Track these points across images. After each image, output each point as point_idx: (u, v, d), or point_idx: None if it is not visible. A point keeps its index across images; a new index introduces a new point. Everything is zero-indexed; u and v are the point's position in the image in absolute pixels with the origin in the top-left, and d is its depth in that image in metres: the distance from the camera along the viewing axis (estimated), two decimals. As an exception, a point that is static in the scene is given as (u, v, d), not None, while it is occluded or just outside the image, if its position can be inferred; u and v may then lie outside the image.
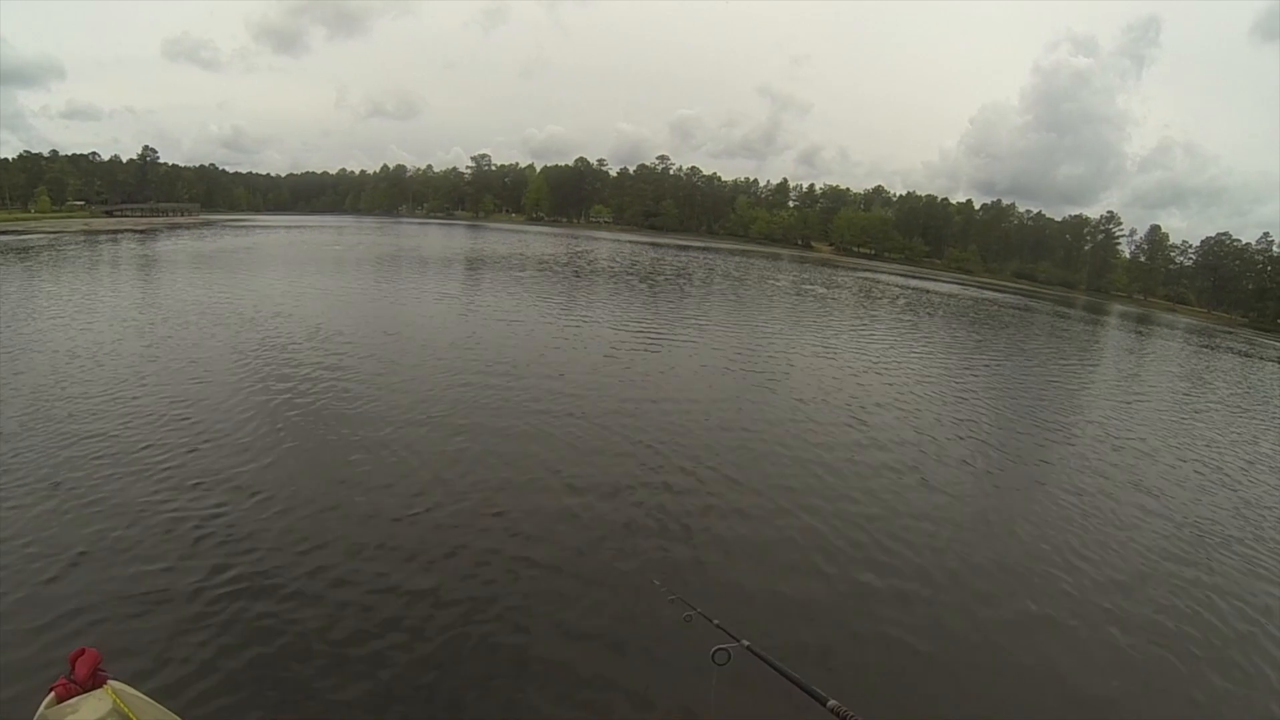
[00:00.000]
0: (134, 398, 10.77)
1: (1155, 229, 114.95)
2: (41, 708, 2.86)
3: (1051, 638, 6.39)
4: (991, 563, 7.77)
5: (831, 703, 2.42)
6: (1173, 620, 6.95)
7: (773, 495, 8.90)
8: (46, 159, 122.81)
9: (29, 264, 30.98)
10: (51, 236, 51.55)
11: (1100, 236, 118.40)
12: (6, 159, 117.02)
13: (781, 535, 7.82)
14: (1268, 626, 7.09)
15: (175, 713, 3.27)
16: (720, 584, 6.68)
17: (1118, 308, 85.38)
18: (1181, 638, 6.64)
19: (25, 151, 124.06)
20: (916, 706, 5.36)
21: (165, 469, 8.12)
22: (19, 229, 61.66)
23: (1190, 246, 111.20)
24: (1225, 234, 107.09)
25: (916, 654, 5.89)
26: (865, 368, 18.25)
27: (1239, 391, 25.12)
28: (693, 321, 23.98)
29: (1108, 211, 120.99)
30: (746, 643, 3.04)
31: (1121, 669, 6.06)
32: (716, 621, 3.50)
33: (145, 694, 3.17)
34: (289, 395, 11.41)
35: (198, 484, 7.78)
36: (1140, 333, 48.73)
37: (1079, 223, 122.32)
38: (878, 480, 9.87)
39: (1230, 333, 66.19)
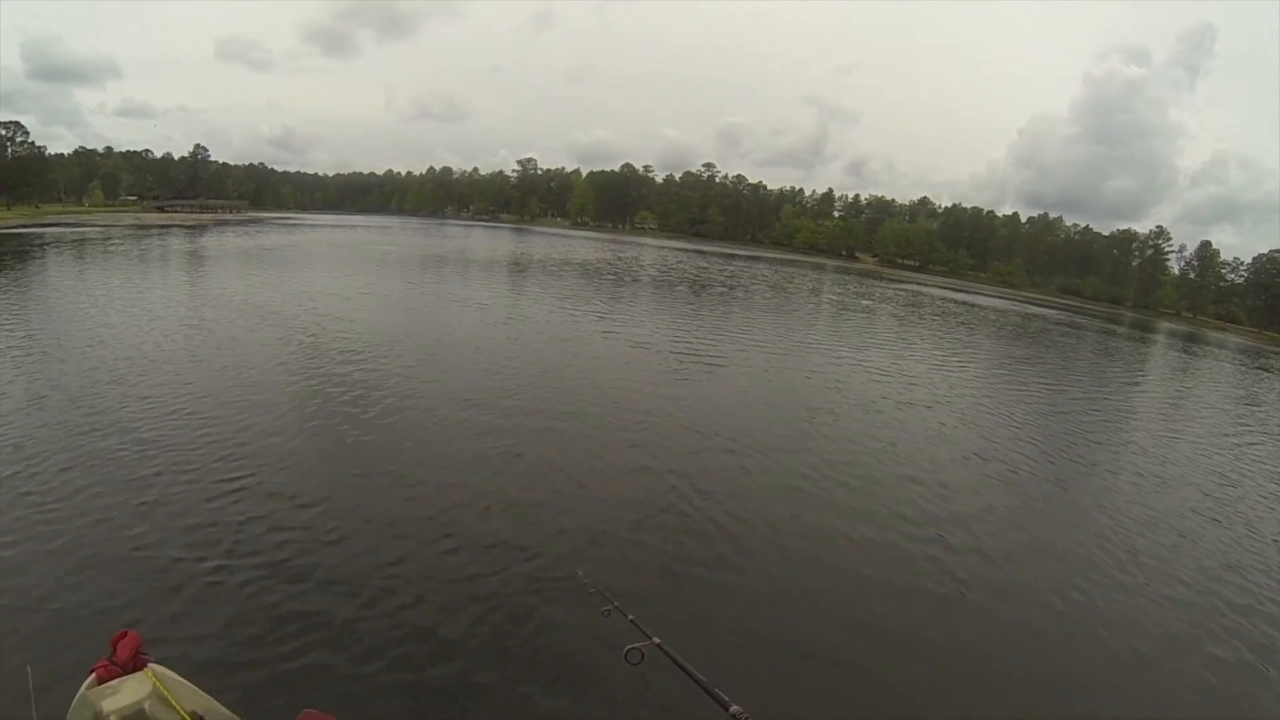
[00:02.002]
0: (179, 394, 11.13)
1: (1205, 245, 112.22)
2: (83, 688, 2.98)
3: (1018, 657, 6.37)
4: (976, 577, 7.71)
5: (734, 708, 2.40)
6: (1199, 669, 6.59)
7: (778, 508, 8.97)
8: (101, 155, 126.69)
9: (82, 255, 32.52)
10: (104, 229, 53.41)
11: (1149, 252, 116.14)
12: (62, 154, 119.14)
13: (756, 547, 7.88)
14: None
15: (214, 697, 3.37)
16: (646, 585, 6.74)
17: (1166, 325, 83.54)
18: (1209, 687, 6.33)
19: (81, 147, 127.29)
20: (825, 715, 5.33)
21: (209, 465, 8.45)
22: (72, 221, 64.30)
23: (1242, 264, 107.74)
24: (1279, 251, 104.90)
25: (861, 667, 5.89)
26: (905, 383, 18.28)
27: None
28: (731, 332, 24.39)
29: (1157, 226, 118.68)
30: (658, 640, 3.15)
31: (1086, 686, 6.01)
32: (631, 617, 3.61)
33: (185, 678, 3.29)
34: (331, 397, 11.74)
35: (239, 480, 8.08)
36: (1190, 352, 47.78)
37: (1127, 237, 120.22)
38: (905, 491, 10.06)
39: (1282, 354, 64.77)
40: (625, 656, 2.96)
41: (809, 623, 6.43)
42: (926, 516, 9.20)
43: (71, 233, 47.79)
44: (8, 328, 15.41)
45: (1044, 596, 7.41)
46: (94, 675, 2.99)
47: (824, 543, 8.10)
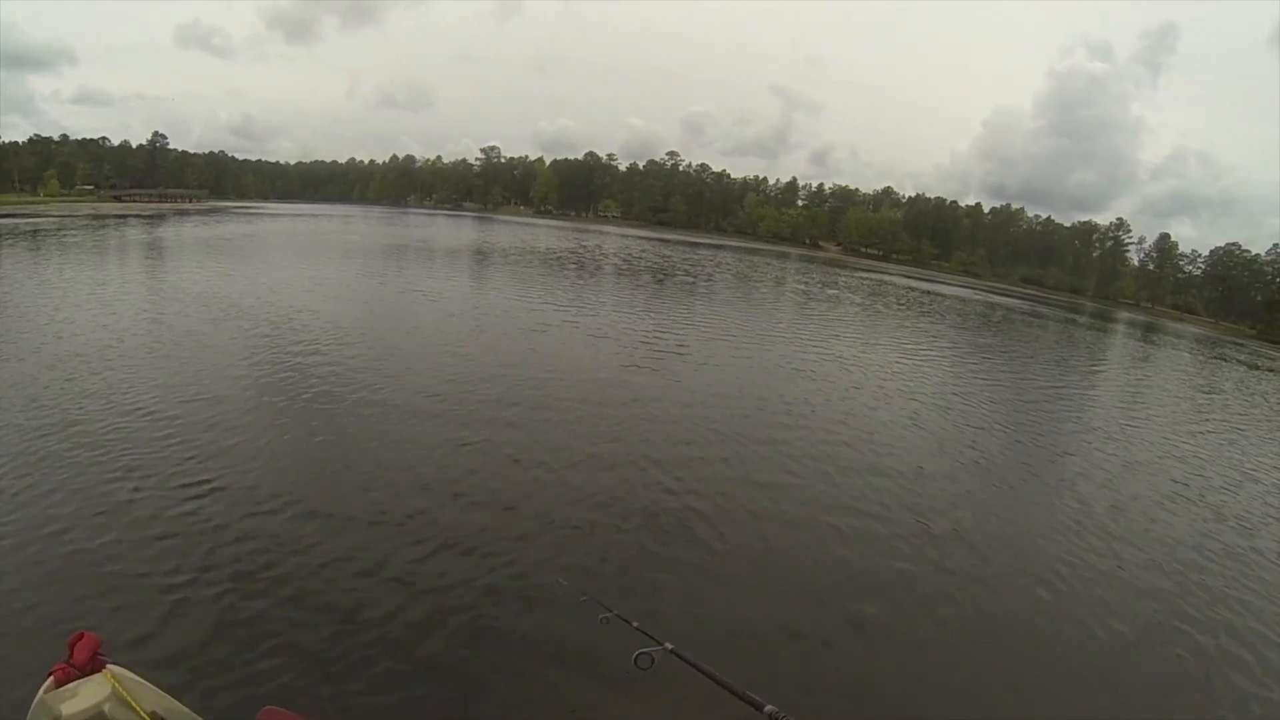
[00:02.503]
0: (136, 388, 10.72)
1: (1164, 237, 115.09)
2: (40, 692, 2.90)
3: (1010, 646, 6.36)
4: (960, 565, 7.71)
5: (769, 708, 2.29)
6: (1164, 636, 6.87)
7: (748, 495, 8.88)
8: (56, 143, 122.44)
9: (36, 248, 31.06)
10: (59, 220, 51.75)
11: (1109, 244, 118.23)
12: (16, 143, 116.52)
13: (743, 539, 7.73)
14: (1259, 646, 6.93)
15: (174, 697, 3.29)
16: (643, 585, 6.54)
17: (1125, 315, 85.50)
18: (1171, 648, 6.63)
19: (35, 135, 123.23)
20: (859, 713, 5.25)
21: (168, 461, 8.15)
22: (27, 212, 62.01)
23: (1199, 256, 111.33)
24: (1235, 244, 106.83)
25: (861, 661, 5.82)
26: (865, 367, 18.54)
27: (1248, 403, 25.21)
28: (692, 318, 24.25)
29: (1117, 219, 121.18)
30: (670, 645, 2.93)
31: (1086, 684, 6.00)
32: (636, 624, 3.37)
33: (144, 679, 3.21)
34: (292, 389, 11.37)
35: (198, 476, 7.80)
36: (1150, 341, 48.78)
37: (1088, 229, 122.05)
38: (876, 481, 9.92)
39: (1238, 344, 65.90)
40: (635, 662, 2.71)
41: (803, 615, 6.33)
42: (908, 505, 9.20)
43: (25, 223, 45.92)
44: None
45: (1027, 585, 7.50)
46: (52, 679, 2.93)
47: (808, 534, 8.03)
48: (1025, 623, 6.72)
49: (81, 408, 9.67)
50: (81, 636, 3.08)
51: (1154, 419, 18.22)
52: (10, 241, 33.00)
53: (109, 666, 3.08)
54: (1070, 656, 6.22)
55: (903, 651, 5.97)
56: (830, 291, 44.19)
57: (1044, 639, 6.47)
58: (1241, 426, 19.22)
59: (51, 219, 53.08)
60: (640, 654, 2.82)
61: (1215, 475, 13.17)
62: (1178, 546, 9.14)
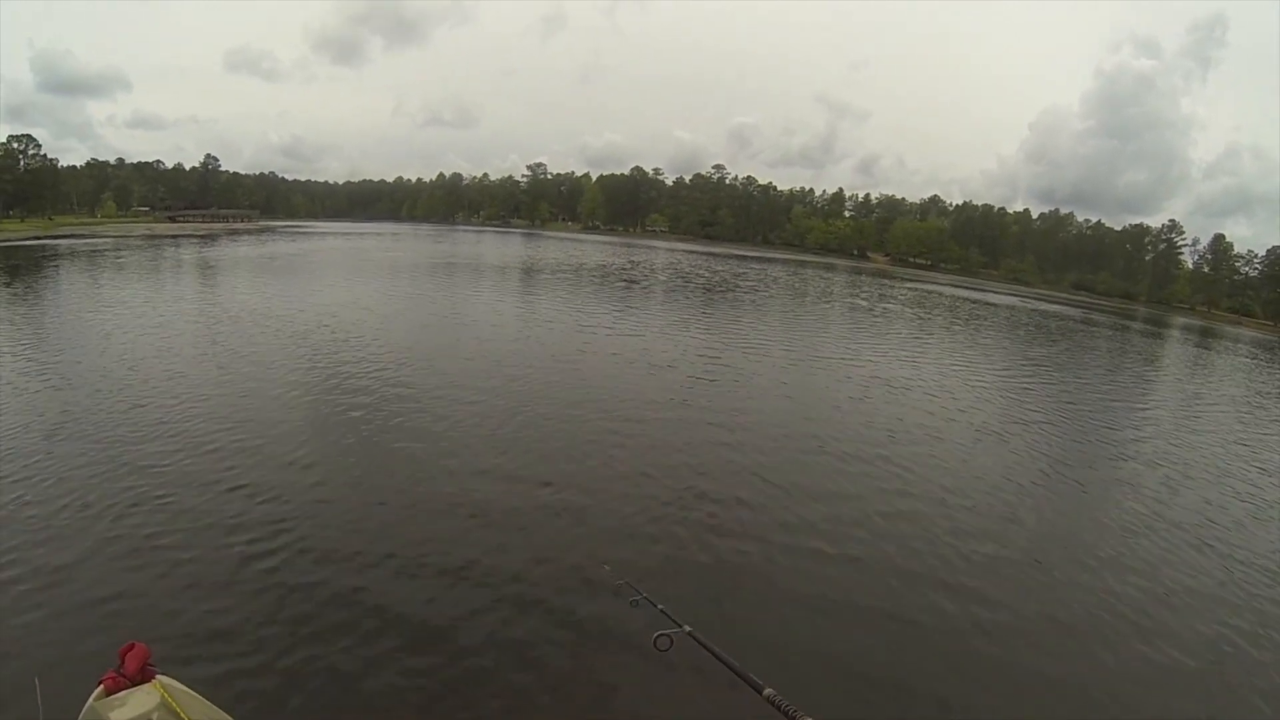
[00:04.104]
0: (187, 404, 11.16)
1: (1219, 238, 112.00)
2: (90, 700, 2.93)
3: (1024, 641, 6.51)
4: (980, 562, 7.95)
5: (767, 691, 2.45)
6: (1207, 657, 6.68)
7: (792, 500, 9.20)
8: (113, 166, 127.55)
9: (95, 267, 32.75)
10: (116, 240, 53.86)
11: (1162, 246, 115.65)
12: (75, 166, 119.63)
13: (779, 540, 8.02)
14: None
15: (223, 709, 3.34)
16: (676, 572, 7.04)
17: (1180, 320, 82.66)
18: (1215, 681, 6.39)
19: (93, 159, 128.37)
20: (857, 699, 5.49)
21: (219, 475, 8.41)
22: (85, 233, 64.77)
23: (1256, 256, 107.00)
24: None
25: (855, 650, 6.07)
26: (919, 383, 18.33)
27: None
28: (739, 331, 24.74)
29: (1169, 220, 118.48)
30: (688, 628, 3.08)
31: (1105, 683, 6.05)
32: (661, 606, 3.54)
33: (194, 690, 3.25)
34: (341, 406, 11.75)
35: (250, 491, 8.06)
36: (1205, 347, 47.45)
37: (1140, 232, 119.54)
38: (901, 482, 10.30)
39: (1298, 347, 64.14)
40: (654, 643, 2.95)
41: (838, 616, 6.59)
42: (964, 514, 9.38)
43: (84, 244, 48.21)
44: (22, 341, 15.62)
45: (1084, 602, 7.45)
46: (102, 687, 2.99)
47: (863, 543, 8.16)
48: (1077, 638, 6.71)
49: (144, 426, 10.06)
50: (132, 647, 3.14)
51: (1218, 430, 17.68)
52: (71, 261, 35.25)
53: (159, 677, 3.12)
54: (1112, 670, 6.23)
55: (927, 647, 6.19)
56: (885, 305, 43.51)
57: (1092, 654, 6.44)
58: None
59: (109, 239, 55.04)
60: (659, 635, 2.97)
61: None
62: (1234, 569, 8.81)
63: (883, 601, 6.87)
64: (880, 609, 6.74)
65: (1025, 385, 20.69)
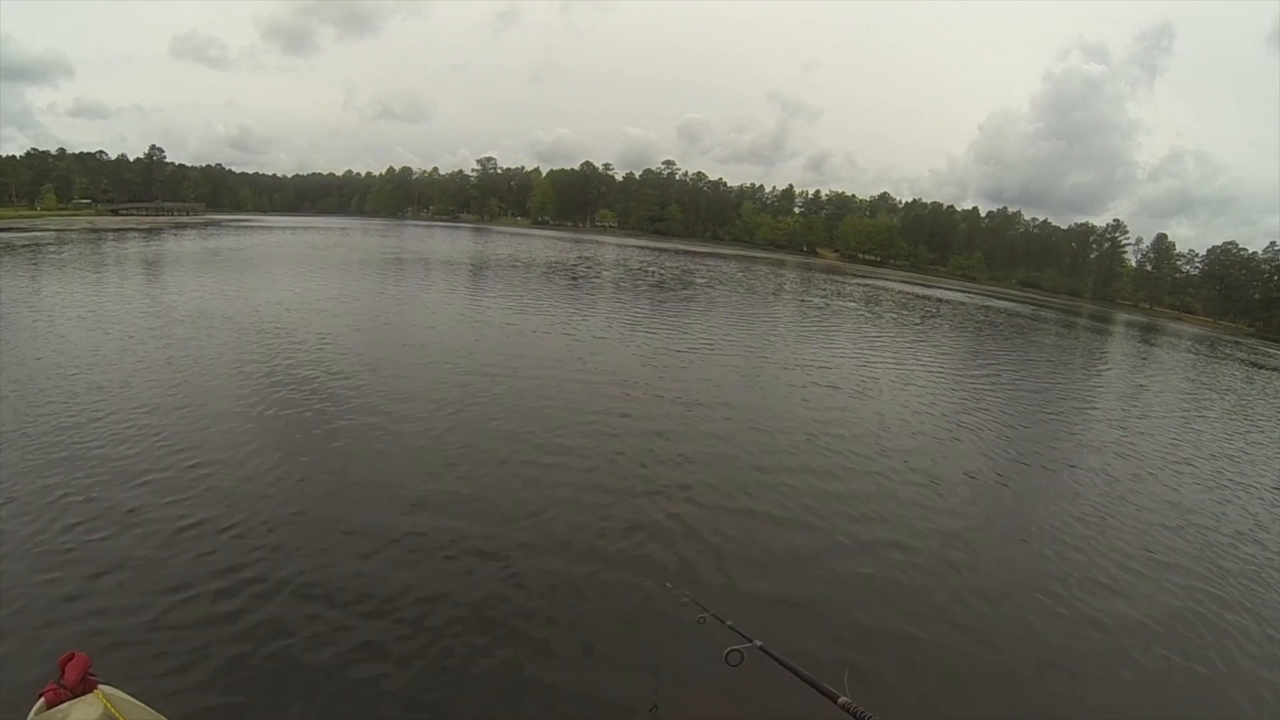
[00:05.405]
0: (133, 404, 10.61)
1: (1161, 237, 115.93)
2: (31, 713, 2.86)
3: (1064, 643, 6.42)
4: (1005, 565, 7.89)
5: (842, 699, 2.50)
6: (1175, 625, 7.01)
7: (784, 501, 8.92)
8: (53, 157, 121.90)
9: (34, 262, 30.77)
10: (57, 234, 51.66)
11: (1106, 245, 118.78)
12: (13, 156, 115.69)
13: (795, 541, 7.82)
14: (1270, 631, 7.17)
15: (167, 716, 3.25)
16: (734, 588, 6.69)
17: (1124, 316, 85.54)
18: (1182, 641, 6.71)
19: (32, 149, 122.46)
20: (930, 705, 5.38)
21: (161, 477, 8.02)
22: (24, 226, 62.07)
23: (1197, 255, 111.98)
24: (1232, 243, 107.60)
25: (930, 653, 5.95)
26: (880, 378, 18.19)
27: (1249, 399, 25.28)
28: (705, 331, 23.76)
29: (1114, 220, 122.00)
30: (759, 643, 3.14)
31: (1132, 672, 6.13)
32: (729, 623, 3.62)
33: (136, 698, 3.17)
34: (289, 403, 11.24)
35: (192, 492, 7.69)
36: (1150, 342, 48.70)
37: (1085, 231, 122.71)
38: (887, 486, 10.01)
39: (1236, 342, 65.83)
40: (725, 658, 2.95)
41: (896, 618, 6.45)
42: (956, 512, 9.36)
43: (22, 237, 45.54)
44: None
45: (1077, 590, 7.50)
46: (42, 699, 2.87)
47: (888, 544, 8.04)
48: (1028, 624, 6.74)
49: (79, 422, 9.57)
50: (72, 656, 3.04)
51: (1163, 418, 18.34)
52: (9, 254, 32.92)
53: (100, 686, 3.05)
54: (1073, 650, 6.31)
55: (912, 660, 5.93)
56: (839, 303, 42.77)
57: (1047, 641, 6.46)
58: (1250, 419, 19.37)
59: (50, 233, 53.00)
60: (731, 650, 3.03)
61: (1215, 472, 13.32)
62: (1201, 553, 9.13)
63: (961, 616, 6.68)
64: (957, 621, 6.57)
65: (983, 379, 20.67)
